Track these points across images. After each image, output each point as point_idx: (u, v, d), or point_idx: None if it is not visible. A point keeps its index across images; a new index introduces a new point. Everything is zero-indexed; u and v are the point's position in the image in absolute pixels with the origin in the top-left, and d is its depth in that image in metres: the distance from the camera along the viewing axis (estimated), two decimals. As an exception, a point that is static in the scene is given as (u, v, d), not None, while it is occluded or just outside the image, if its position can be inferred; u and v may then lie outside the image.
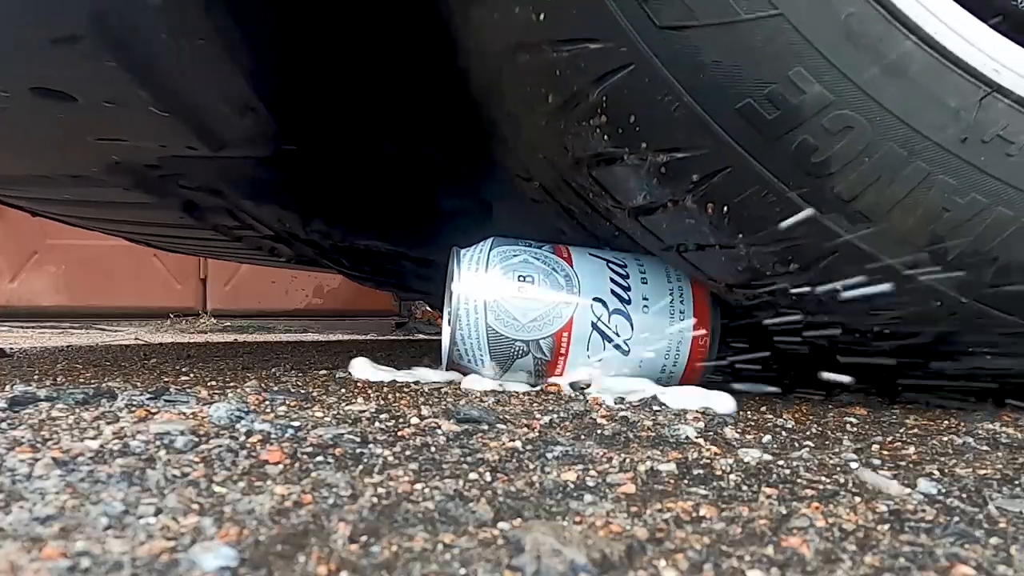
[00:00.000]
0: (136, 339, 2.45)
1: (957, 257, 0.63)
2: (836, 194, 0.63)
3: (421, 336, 3.11)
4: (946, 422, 0.70)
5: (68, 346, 1.91)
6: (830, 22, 0.59)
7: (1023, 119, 0.61)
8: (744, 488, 0.46)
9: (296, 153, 1.03)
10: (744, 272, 0.71)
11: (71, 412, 0.61)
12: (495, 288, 0.79)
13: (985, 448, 0.60)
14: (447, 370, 0.84)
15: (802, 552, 0.36)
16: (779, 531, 0.39)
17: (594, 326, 0.79)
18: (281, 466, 0.46)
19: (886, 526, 0.40)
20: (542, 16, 0.64)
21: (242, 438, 0.53)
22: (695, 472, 0.49)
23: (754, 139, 0.62)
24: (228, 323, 3.60)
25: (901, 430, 0.66)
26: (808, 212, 0.64)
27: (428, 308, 3.73)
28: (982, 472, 0.52)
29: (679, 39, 0.61)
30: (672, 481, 0.47)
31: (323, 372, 0.95)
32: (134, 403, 0.65)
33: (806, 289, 0.69)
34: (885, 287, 0.66)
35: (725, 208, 0.66)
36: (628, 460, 0.51)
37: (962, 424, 0.69)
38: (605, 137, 0.67)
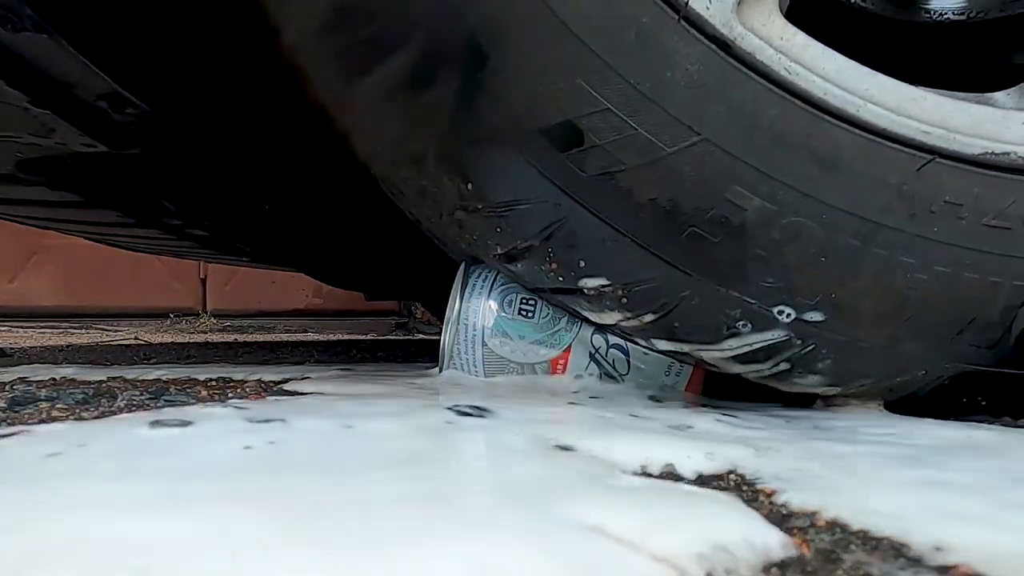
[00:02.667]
0: (136, 339, 2.45)
1: (935, 326, 0.63)
2: (799, 299, 0.63)
3: (421, 336, 3.11)
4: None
5: (68, 346, 1.91)
6: (754, 131, 0.59)
7: (965, 177, 0.60)
8: (744, 488, 0.46)
9: (196, 149, 1.04)
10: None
11: (71, 412, 0.61)
12: (496, 310, 0.80)
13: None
14: (442, 371, 0.85)
15: (802, 552, 0.36)
16: (779, 531, 0.39)
17: (591, 357, 0.79)
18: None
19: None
20: (471, 187, 0.65)
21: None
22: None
23: (706, 263, 0.62)
24: (228, 323, 3.60)
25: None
26: (780, 333, 0.65)
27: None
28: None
29: (609, 185, 0.61)
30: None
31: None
32: (134, 403, 0.65)
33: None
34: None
35: (690, 326, 0.67)
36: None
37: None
38: (560, 279, 0.68)
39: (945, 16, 0.68)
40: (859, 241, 0.61)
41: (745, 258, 0.62)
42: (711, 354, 0.69)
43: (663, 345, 0.71)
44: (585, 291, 0.68)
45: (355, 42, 0.61)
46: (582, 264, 0.66)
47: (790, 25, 0.60)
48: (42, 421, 0.57)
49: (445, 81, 0.61)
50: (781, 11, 0.60)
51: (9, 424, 0.56)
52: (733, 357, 0.68)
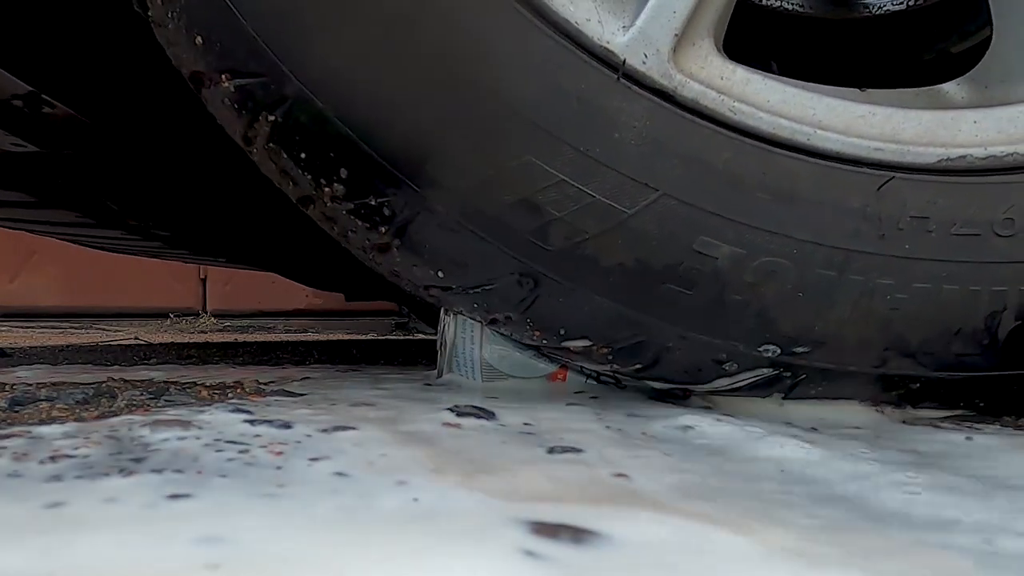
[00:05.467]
0: (136, 339, 2.45)
1: (922, 343, 0.63)
2: (782, 336, 0.63)
3: (421, 336, 3.11)
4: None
5: (68, 346, 1.91)
6: (710, 178, 0.58)
7: (926, 188, 0.60)
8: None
9: (135, 151, 1.04)
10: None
11: (71, 412, 0.61)
12: None
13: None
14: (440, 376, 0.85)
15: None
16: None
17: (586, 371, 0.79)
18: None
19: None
20: (440, 273, 0.65)
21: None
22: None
23: (684, 314, 0.62)
24: (228, 323, 3.60)
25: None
26: (768, 370, 0.65)
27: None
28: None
29: (575, 255, 0.60)
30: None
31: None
32: (134, 403, 0.65)
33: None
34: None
35: (678, 371, 0.67)
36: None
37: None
38: (544, 341, 0.68)
39: (884, 8, 0.67)
40: (834, 271, 0.60)
41: (722, 305, 0.62)
42: (704, 390, 0.70)
43: (656, 384, 0.72)
44: (572, 350, 0.68)
45: (300, 161, 0.61)
46: (563, 331, 0.66)
47: (729, 62, 0.59)
48: (42, 421, 0.57)
49: (392, 186, 0.60)
50: (718, 47, 0.60)
51: (9, 424, 0.56)
52: (726, 392, 0.69)
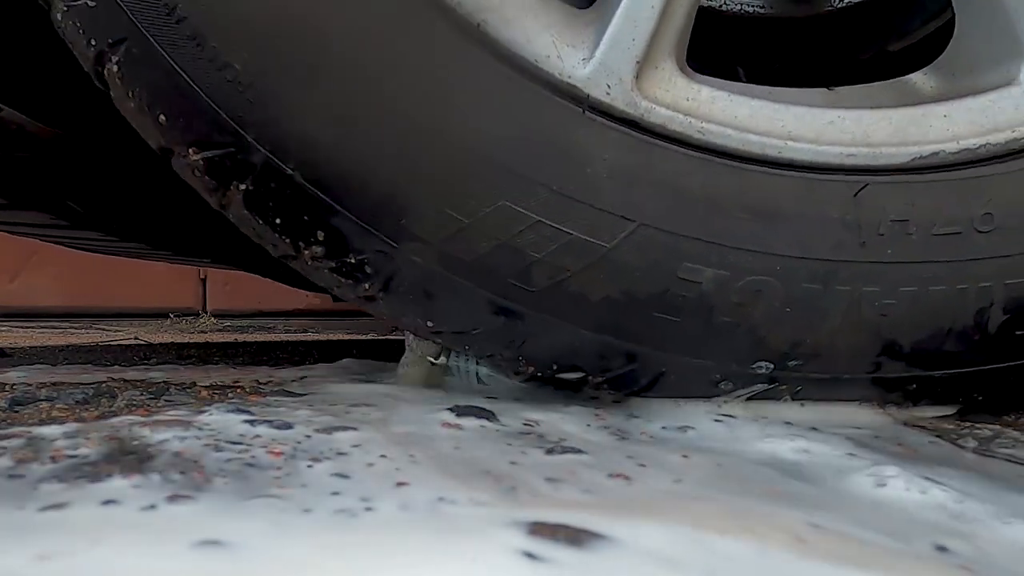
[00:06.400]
0: (136, 339, 2.45)
1: (914, 345, 0.63)
2: (775, 352, 0.63)
3: (421, 336, 3.11)
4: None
5: (68, 346, 1.91)
6: (686, 203, 0.58)
7: (902, 190, 0.59)
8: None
9: (96, 154, 1.04)
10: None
11: (71, 412, 0.61)
12: None
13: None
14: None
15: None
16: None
17: None
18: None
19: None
20: (430, 323, 0.65)
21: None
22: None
23: (675, 341, 0.62)
24: (228, 323, 3.60)
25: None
26: (763, 385, 0.64)
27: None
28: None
29: (559, 293, 0.60)
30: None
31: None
32: (134, 403, 0.65)
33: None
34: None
35: (674, 392, 0.67)
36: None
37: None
38: (539, 374, 0.68)
39: (846, 1, 0.67)
40: (819, 284, 0.60)
41: (712, 328, 0.61)
42: None
43: (654, 404, 0.72)
44: (566, 380, 0.68)
45: (276, 226, 0.61)
46: (555, 365, 0.66)
47: (693, 82, 0.59)
48: (42, 421, 0.57)
49: (370, 243, 0.60)
50: (681, 68, 0.59)
51: (9, 424, 0.56)
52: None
